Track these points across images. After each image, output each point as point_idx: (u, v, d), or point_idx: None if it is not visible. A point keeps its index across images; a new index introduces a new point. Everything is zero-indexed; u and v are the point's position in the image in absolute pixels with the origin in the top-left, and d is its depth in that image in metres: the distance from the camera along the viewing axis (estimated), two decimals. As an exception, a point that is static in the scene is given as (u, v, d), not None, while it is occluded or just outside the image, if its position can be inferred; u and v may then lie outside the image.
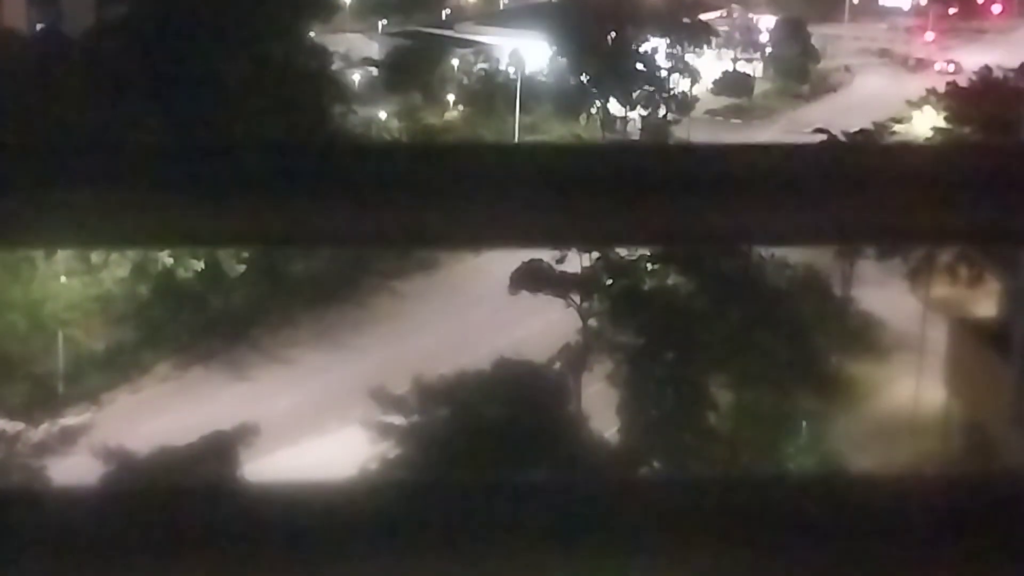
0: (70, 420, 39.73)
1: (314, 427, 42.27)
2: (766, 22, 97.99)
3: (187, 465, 32.90)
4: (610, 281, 43.48)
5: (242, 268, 51.00)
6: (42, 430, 38.23)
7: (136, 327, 48.81)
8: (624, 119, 77.95)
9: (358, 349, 49.85)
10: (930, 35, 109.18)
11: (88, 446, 35.56)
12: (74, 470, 34.20)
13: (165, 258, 47.61)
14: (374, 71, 74.24)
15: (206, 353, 49.40)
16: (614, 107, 78.05)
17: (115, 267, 47.21)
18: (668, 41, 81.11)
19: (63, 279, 46.60)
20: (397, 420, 36.67)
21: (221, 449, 34.61)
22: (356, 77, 71.93)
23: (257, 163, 1.55)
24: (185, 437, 35.01)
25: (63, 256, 43.93)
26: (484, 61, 79.50)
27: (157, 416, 43.75)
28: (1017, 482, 1.47)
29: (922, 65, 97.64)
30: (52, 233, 1.53)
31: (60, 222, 1.50)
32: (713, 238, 1.63)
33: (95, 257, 45.59)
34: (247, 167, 1.54)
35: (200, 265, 50.01)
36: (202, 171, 1.53)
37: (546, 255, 43.06)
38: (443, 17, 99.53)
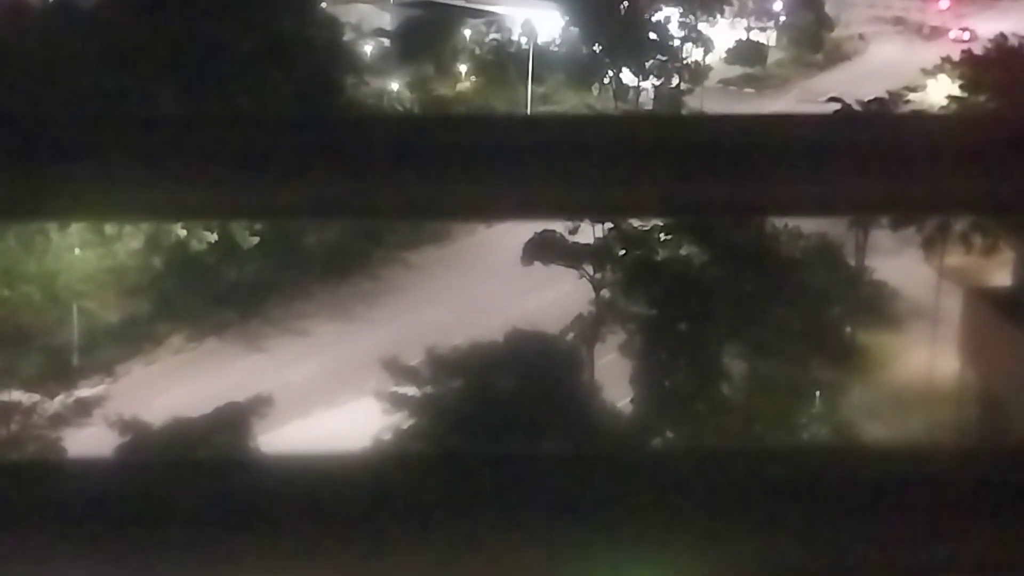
0: (85, 392, 39.90)
1: (327, 398, 42.40)
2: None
3: (201, 436, 33.06)
4: (623, 252, 43.46)
5: (255, 240, 51.06)
6: (57, 402, 38.42)
7: (150, 299, 48.95)
8: (637, 89, 77.74)
9: (371, 321, 49.94)
10: (944, 2, 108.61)
11: (103, 418, 35.75)
12: (89, 441, 34.39)
13: (178, 230, 47.68)
14: (386, 42, 74.11)
15: (220, 325, 49.53)
16: (627, 77, 77.83)
17: (129, 239, 47.33)
18: (681, 10, 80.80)
19: (77, 251, 46.74)
20: (410, 391, 36.76)
21: (235, 421, 34.76)
22: (368, 48, 71.83)
23: (268, 135, 1.54)
24: (199, 409, 35.16)
25: (77, 228, 44.03)
26: (496, 31, 79.29)
27: (171, 388, 43.91)
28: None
29: (936, 33, 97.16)
30: (64, 206, 1.53)
31: (71, 195, 1.50)
32: (728, 209, 1.62)
33: (109, 229, 45.69)
34: (258, 139, 1.53)
35: (213, 237, 50.09)
36: (215, 143, 1.53)
37: (559, 226, 43.04)
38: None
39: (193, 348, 48.68)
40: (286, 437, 36.57)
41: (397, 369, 37.25)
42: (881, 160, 1.54)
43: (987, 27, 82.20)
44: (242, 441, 33.87)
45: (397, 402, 36.74)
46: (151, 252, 48.59)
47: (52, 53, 50.82)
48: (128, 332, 47.75)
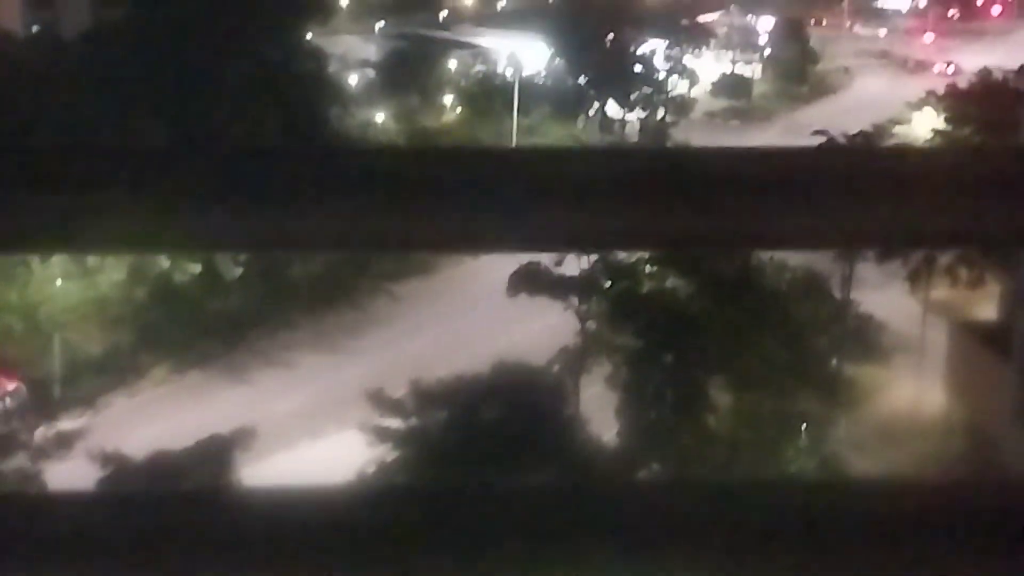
0: (66, 424, 39.68)
1: (312, 431, 42.26)
2: (764, 23, 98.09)
3: (184, 469, 32.89)
4: (609, 283, 43.48)
5: (239, 271, 50.99)
6: (38, 434, 38.18)
7: (132, 330, 48.79)
8: (622, 121, 78.00)
9: (356, 352, 49.85)
10: (929, 36, 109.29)
11: (85, 450, 35.53)
12: (71, 474, 34.20)
13: (162, 261, 47.59)
14: (371, 73, 74.27)
15: (203, 356, 49.38)
16: (612, 109, 78.11)
17: (111, 270, 47.21)
18: (666, 43, 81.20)
19: (59, 282, 46.59)
20: (395, 423, 36.66)
21: (218, 453, 34.60)
22: (353, 79, 71.96)
23: (253, 167, 1.54)
24: (182, 441, 35.01)
25: (59, 259, 43.91)
26: (482, 63, 79.57)
27: (154, 420, 43.73)
28: (1018, 486, 1.46)
29: (921, 67, 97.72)
30: (49, 238, 1.52)
31: (56, 226, 1.49)
32: (714, 242, 1.62)
33: (91, 260, 45.57)
34: (243, 171, 1.53)
35: (197, 268, 50.01)
36: (199, 175, 1.52)
37: (544, 257, 43.08)
38: (440, 19, 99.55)
39: (176, 380, 48.51)
40: (270, 470, 36.43)
41: (382, 401, 37.16)
42: (867, 193, 1.55)
43: (971, 61, 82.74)
44: (225, 474, 33.71)
45: (382, 434, 36.64)
46: (134, 283, 48.48)
47: (35, 83, 50.80)
48: (110, 364, 47.59)
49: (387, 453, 36.39)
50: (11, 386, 41.99)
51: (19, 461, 36.86)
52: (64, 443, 37.43)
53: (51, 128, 46.28)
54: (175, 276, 49.59)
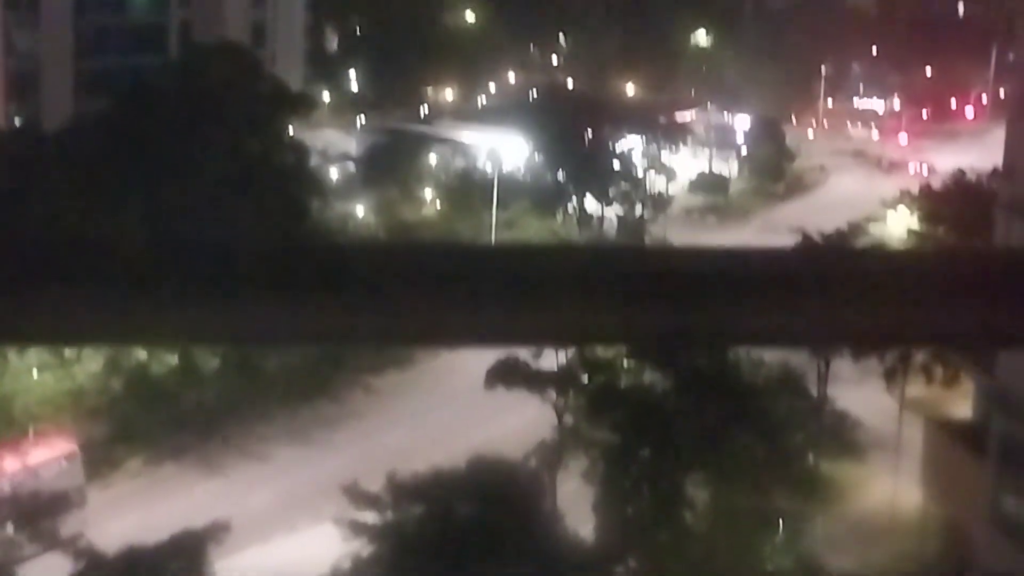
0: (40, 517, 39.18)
1: (286, 524, 41.88)
2: (741, 122, 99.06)
3: (157, 564, 32.50)
4: (586, 378, 43.44)
5: (216, 363, 50.80)
6: (11, 528, 37.75)
7: (108, 422, 48.44)
8: (601, 217, 78.40)
9: (332, 445, 49.56)
10: (904, 137, 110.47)
11: (58, 544, 35.10)
12: (44, 568, 33.77)
13: (138, 352, 47.39)
14: (352, 167, 74.63)
15: (178, 448, 49.02)
16: (591, 205, 78.54)
17: (88, 361, 46.95)
18: (644, 140, 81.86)
19: (35, 373, 46.31)
20: (371, 517, 36.33)
21: (192, 547, 34.19)
22: (334, 173, 72.29)
23: (232, 261, 1.55)
24: (156, 534, 34.62)
25: (35, 350, 43.70)
26: (462, 158, 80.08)
27: (128, 512, 43.29)
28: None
29: (896, 166, 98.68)
30: (28, 331, 1.52)
31: (33, 319, 1.49)
32: (691, 338, 1.63)
33: (68, 351, 45.36)
34: (223, 265, 1.54)
35: (174, 360, 49.81)
36: (179, 270, 1.53)
37: (522, 351, 43.03)
38: (421, 114, 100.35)
39: (151, 472, 48.10)
40: (244, 564, 36.04)
41: (357, 495, 36.85)
42: (842, 292, 1.56)
43: (945, 161, 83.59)
44: (199, 569, 33.31)
45: (357, 529, 36.29)
46: (110, 375, 48.21)
47: (16, 175, 50.89)
48: (85, 456, 47.19)
49: (363, 548, 36.03)
50: (68, 449, 43.54)
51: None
52: (37, 536, 36.99)
53: (31, 220, 46.28)
54: (152, 368, 49.37)
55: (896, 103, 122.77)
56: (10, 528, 38.33)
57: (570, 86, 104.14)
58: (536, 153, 78.74)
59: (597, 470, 40.70)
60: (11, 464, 41.45)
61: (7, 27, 74.23)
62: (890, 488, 46.25)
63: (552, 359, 43.57)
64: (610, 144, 79.83)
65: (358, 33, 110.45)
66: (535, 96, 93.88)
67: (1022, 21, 49.66)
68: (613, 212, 78.51)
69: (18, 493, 39.51)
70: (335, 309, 1.53)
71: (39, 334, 1.55)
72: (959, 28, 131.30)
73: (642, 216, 78.70)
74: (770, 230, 71.44)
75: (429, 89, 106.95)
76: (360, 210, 70.05)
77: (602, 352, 41.99)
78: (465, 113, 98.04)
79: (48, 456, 42.64)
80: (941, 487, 44.91)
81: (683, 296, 1.56)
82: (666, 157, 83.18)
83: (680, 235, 73.81)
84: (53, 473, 42.11)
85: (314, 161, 65.70)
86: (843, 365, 49.08)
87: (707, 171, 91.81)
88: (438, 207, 75.34)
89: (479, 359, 45.14)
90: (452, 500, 35.24)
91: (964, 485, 42.78)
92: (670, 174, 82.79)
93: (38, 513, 37.97)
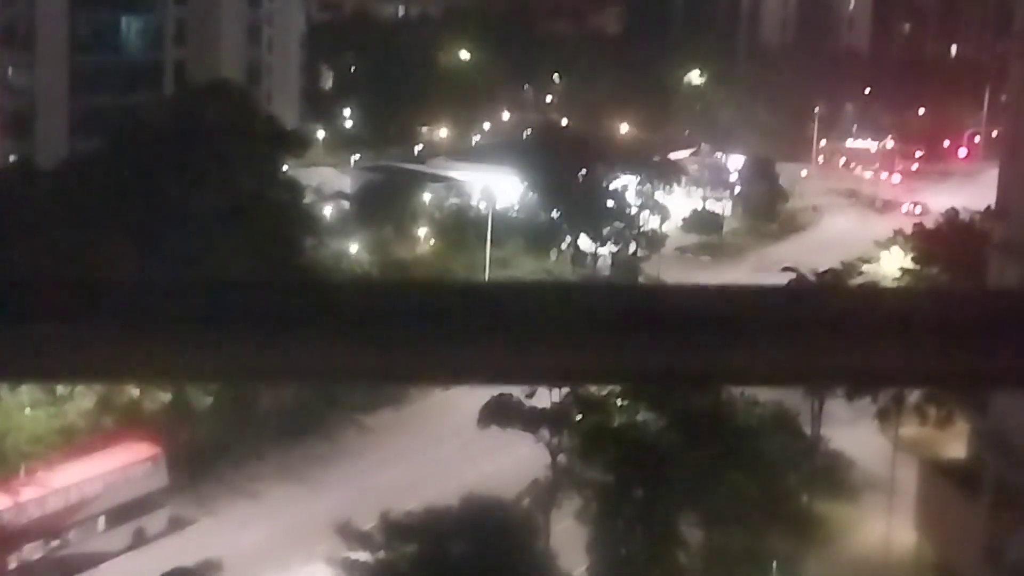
0: (30, 555, 39.05)
1: (279, 563, 41.69)
2: (735, 161, 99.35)
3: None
4: (579, 417, 43.37)
5: (209, 400, 50.65)
6: (1, 565, 37.57)
7: (100, 459, 48.18)
8: (594, 255, 78.48)
9: (325, 484, 49.39)
10: (897, 177, 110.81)
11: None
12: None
13: (131, 389, 47.23)
14: (346, 204, 74.71)
15: (171, 486, 48.74)
16: (584, 243, 78.63)
17: (80, 398, 46.77)
18: (638, 179, 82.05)
19: (27, 410, 46.13)
20: (363, 556, 36.21)
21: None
22: (328, 210, 72.35)
23: (226, 299, 1.54)
24: (148, 572, 34.46)
25: (27, 387, 43.55)
26: (456, 196, 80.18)
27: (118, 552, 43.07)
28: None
29: (889, 206, 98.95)
30: (18, 367, 1.52)
31: (27, 356, 1.49)
32: (685, 378, 1.63)
33: (60, 388, 45.21)
34: (216, 303, 1.53)
35: (166, 397, 49.66)
36: (172, 307, 1.52)
37: (516, 390, 42.98)
38: (415, 152, 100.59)
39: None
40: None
41: (350, 533, 36.74)
42: (835, 332, 1.56)
43: (938, 201, 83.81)
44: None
45: (350, 567, 36.16)
46: (102, 412, 48.01)
47: (10, 213, 50.87)
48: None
49: (354, 587, 35.90)
50: (152, 452, 46.26)
51: None
52: (27, 574, 36.82)
53: (24, 257, 46.23)
54: (144, 405, 49.20)
55: (889, 143, 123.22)
56: (102, 523, 43.47)
57: (564, 125, 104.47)
58: (530, 191, 78.89)
59: (590, 509, 40.58)
60: (102, 465, 44.61)
61: (3, 64, 74.43)
62: (884, 529, 46.13)
63: (545, 398, 43.51)
64: (604, 183, 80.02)
65: (353, 71, 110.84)
66: (529, 135, 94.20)
67: (1015, 62, 49.90)
68: (607, 250, 78.61)
69: (109, 492, 43.82)
70: (328, 347, 1.53)
71: (31, 371, 1.54)
72: (952, 69, 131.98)
73: (636, 254, 78.78)
74: (763, 269, 71.49)
75: (423, 127, 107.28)
76: (354, 248, 70.06)
77: (596, 391, 41.94)
78: (459, 151, 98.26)
79: (134, 458, 45.68)
80: (935, 527, 44.82)
81: (676, 335, 1.56)
82: (660, 196, 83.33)
83: (674, 274, 73.86)
84: (140, 474, 45.44)
85: (308, 198, 65.75)
86: (837, 405, 49.04)
87: (701, 210, 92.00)
88: (432, 245, 75.39)
89: (472, 398, 45.07)
90: (445, 539, 35.13)
91: (958, 525, 42.70)
92: (664, 213, 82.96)
93: (126, 510, 43.48)
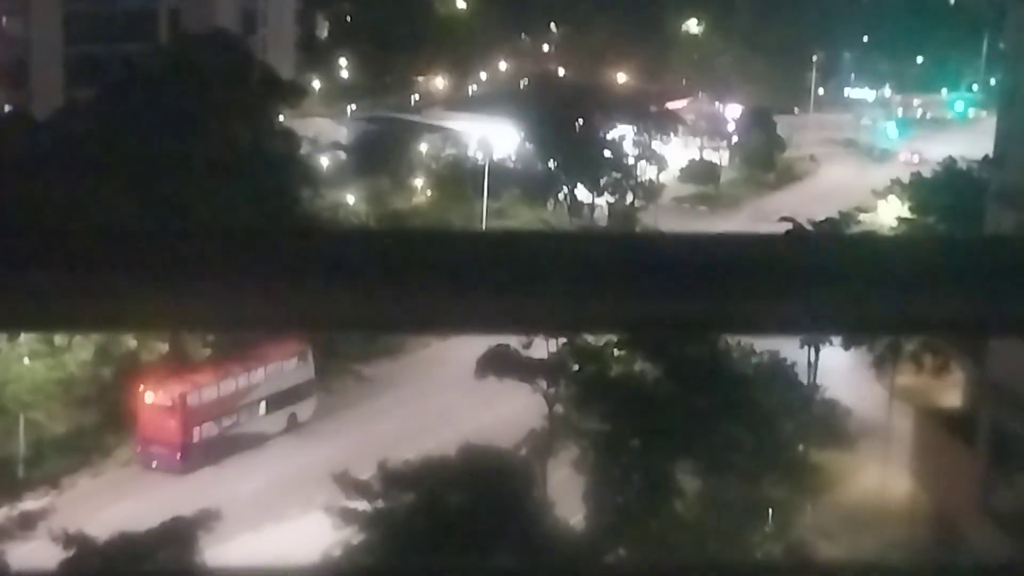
0: (29, 504, 39.23)
1: (277, 513, 41.89)
2: (732, 111, 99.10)
3: (147, 551, 32.51)
4: (577, 367, 43.47)
5: (207, 352, 50.78)
6: (1, 514, 37.74)
7: (98, 410, 48.39)
8: (591, 205, 78.44)
9: (322, 434, 49.58)
10: (895, 126, 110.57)
11: (47, 531, 35.10)
12: (33, 555, 33.78)
13: (129, 340, 47.33)
14: (342, 155, 74.55)
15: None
16: (581, 193, 78.57)
17: (79, 349, 46.86)
18: (635, 129, 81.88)
19: (26, 361, 46.23)
20: (361, 505, 36.37)
21: (182, 535, 34.21)
22: (324, 161, 72.21)
23: (224, 248, 1.55)
24: (146, 522, 34.63)
25: (26, 338, 43.62)
26: (452, 146, 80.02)
27: (118, 500, 43.30)
28: (981, 573, 1.47)
29: (887, 155, 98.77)
30: (17, 316, 1.52)
31: (24, 305, 1.49)
32: (681, 327, 1.63)
33: (58, 339, 45.29)
34: (214, 252, 1.54)
35: (164, 347, 49.78)
36: (169, 255, 1.53)
37: (513, 340, 43.06)
38: (412, 103, 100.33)
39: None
40: (234, 552, 36.05)
41: (348, 483, 36.89)
42: (832, 280, 1.56)
43: (936, 150, 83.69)
44: (189, 556, 33.32)
45: (348, 516, 36.33)
46: (101, 363, 48.13)
47: (6, 163, 50.77)
48: (75, 444, 47.16)
49: (353, 535, 36.09)
50: (301, 348, 51.82)
51: None
52: (26, 523, 36.99)
53: (21, 206, 46.16)
54: (142, 355, 49.32)
55: (887, 92, 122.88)
56: (263, 408, 50.00)
57: (561, 75, 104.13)
58: (527, 141, 78.76)
59: (587, 459, 40.76)
60: (262, 359, 50.40)
61: (-3, 14, 74.07)
62: (880, 477, 46.37)
63: (543, 348, 43.60)
64: (601, 133, 79.87)
65: (349, 21, 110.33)
66: (526, 85, 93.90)
67: (1013, 10, 49.70)
68: (604, 200, 78.56)
69: (268, 380, 50.40)
70: (324, 296, 1.54)
71: (29, 319, 1.55)
72: (950, 17, 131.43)
73: (633, 204, 78.75)
74: (761, 219, 71.44)
75: (420, 77, 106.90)
76: (350, 198, 70.01)
77: (593, 341, 42.04)
78: (456, 101, 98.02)
79: (287, 353, 51.20)
80: (931, 476, 45.06)
81: (673, 283, 1.56)
82: (657, 146, 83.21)
83: (671, 223, 73.84)
84: (292, 367, 51.45)
85: (304, 149, 65.60)
86: (833, 354, 49.18)
87: (698, 160, 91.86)
88: (428, 195, 75.31)
89: (470, 348, 45.16)
90: (443, 488, 35.29)
91: (954, 474, 42.93)
92: (661, 163, 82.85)
93: (283, 398, 50.14)
